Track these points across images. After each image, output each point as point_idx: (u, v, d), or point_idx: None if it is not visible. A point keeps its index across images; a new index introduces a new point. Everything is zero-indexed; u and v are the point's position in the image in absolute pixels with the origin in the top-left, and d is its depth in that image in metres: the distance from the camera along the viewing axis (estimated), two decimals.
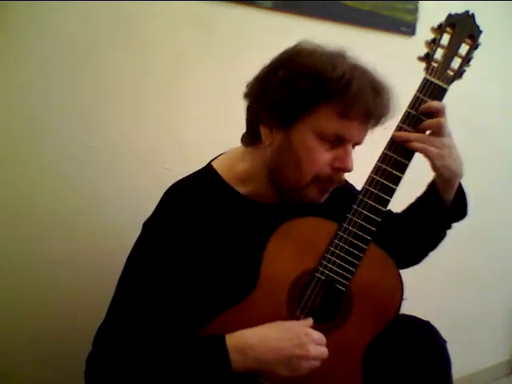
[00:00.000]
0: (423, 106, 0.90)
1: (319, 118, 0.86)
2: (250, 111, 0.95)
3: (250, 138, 0.96)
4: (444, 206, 0.97)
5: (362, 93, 0.84)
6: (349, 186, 1.09)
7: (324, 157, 0.88)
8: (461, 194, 0.98)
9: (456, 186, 0.96)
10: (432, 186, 0.99)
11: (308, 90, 0.85)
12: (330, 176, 0.90)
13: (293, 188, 0.92)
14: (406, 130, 0.91)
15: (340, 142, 0.88)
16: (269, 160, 0.92)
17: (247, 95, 0.94)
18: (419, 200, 1.05)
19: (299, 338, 0.84)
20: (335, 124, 0.86)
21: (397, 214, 1.10)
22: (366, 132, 0.91)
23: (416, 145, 0.89)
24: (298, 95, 0.85)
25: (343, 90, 0.83)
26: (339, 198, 0.98)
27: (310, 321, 0.88)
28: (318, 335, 0.86)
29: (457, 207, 0.99)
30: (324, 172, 0.89)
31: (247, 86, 0.94)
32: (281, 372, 0.84)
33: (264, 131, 0.91)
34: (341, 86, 0.83)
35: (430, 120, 0.90)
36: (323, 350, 0.86)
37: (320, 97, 0.85)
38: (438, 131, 0.90)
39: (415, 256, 1.10)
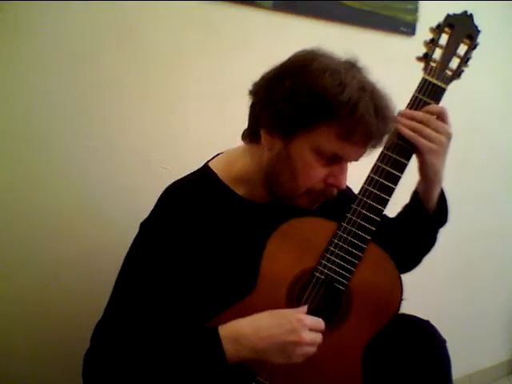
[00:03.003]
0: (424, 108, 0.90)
1: (320, 135, 0.86)
2: (253, 111, 0.95)
3: (251, 135, 0.96)
4: (427, 214, 0.98)
5: (366, 118, 0.84)
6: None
7: (319, 173, 0.89)
8: (443, 203, 0.99)
9: (437, 191, 0.97)
10: (415, 195, 1.00)
11: (312, 108, 0.84)
12: (323, 190, 0.91)
13: (286, 195, 0.93)
14: None
15: (337, 160, 0.89)
16: (265, 164, 0.92)
17: (252, 94, 0.94)
18: (405, 208, 1.06)
19: (291, 324, 0.83)
20: (335, 144, 0.86)
21: (389, 220, 1.09)
22: (363, 153, 0.91)
23: (407, 132, 0.90)
24: (301, 111, 0.85)
25: (348, 114, 0.83)
26: (337, 199, 0.98)
27: (304, 308, 0.88)
28: (311, 320, 0.85)
29: (439, 215, 1.00)
30: (317, 187, 0.90)
31: (254, 84, 0.94)
32: (275, 359, 0.84)
33: (264, 135, 0.91)
34: (346, 110, 0.83)
35: (434, 105, 0.91)
36: (317, 336, 0.85)
37: (323, 116, 0.85)
38: (443, 119, 0.91)
39: (409, 262, 1.10)
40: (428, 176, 0.94)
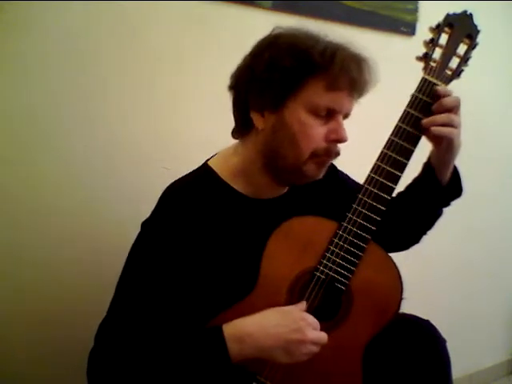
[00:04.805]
0: (440, 89, 0.89)
1: (309, 93, 0.89)
2: (238, 101, 0.97)
3: (240, 128, 0.98)
4: (440, 186, 0.99)
5: (347, 63, 0.87)
6: (345, 177, 1.13)
7: (319, 132, 0.90)
8: (455, 173, 1.00)
9: (453, 164, 0.98)
10: (428, 168, 1.00)
11: (295, 67, 0.87)
12: (327, 149, 0.91)
13: (291, 167, 0.92)
14: (405, 130, 0.91)
15: (331, 116, 0.90)
16: (263, 145, 0.93)
17: (233, 86, 0.97)
18: (416, 182, 1.06)
19: (296, 322, 0.84)
20: (325, 97, 0.88)
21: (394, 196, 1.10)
22: (352, 103, 0.93)
23: (443, 130, 0.89)
24: (287, 73, 0.88)
25: (329, 62, 0.86)
26: (335, 191, 1.01)
27: (303, 305, 0.89)
28: (313, 319, 0.86)
29: (453, 186, 1.00)
30: (321, 146, 0.90)
31: (231, 77, 0.97)
32: (279, 358, 0.84)
33: (255, 117, 0.93)
34: (326, 59, 0.86)
35: (451, 98, 0.90)
36: (320, 334, 0.86)
37: (307, 72, 0.87)
38: (457, 109, 0.91)
39: (414, 235, 1.11)
40: (454, 153, 0.95)
